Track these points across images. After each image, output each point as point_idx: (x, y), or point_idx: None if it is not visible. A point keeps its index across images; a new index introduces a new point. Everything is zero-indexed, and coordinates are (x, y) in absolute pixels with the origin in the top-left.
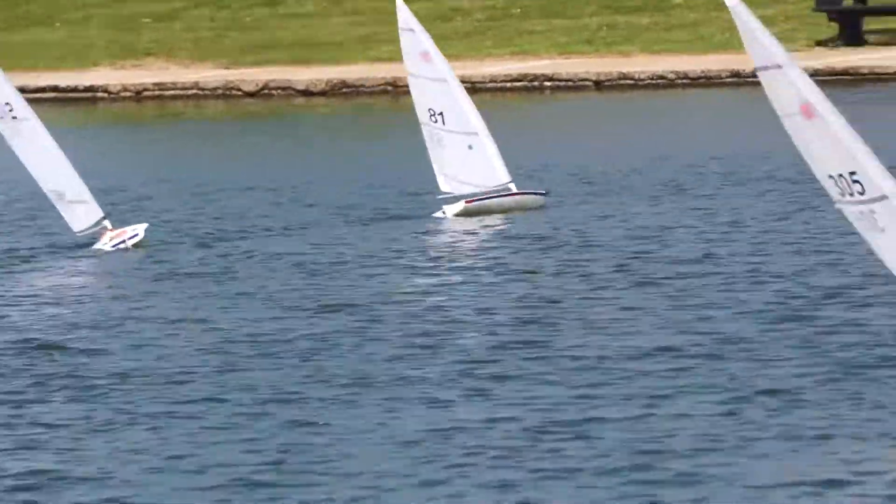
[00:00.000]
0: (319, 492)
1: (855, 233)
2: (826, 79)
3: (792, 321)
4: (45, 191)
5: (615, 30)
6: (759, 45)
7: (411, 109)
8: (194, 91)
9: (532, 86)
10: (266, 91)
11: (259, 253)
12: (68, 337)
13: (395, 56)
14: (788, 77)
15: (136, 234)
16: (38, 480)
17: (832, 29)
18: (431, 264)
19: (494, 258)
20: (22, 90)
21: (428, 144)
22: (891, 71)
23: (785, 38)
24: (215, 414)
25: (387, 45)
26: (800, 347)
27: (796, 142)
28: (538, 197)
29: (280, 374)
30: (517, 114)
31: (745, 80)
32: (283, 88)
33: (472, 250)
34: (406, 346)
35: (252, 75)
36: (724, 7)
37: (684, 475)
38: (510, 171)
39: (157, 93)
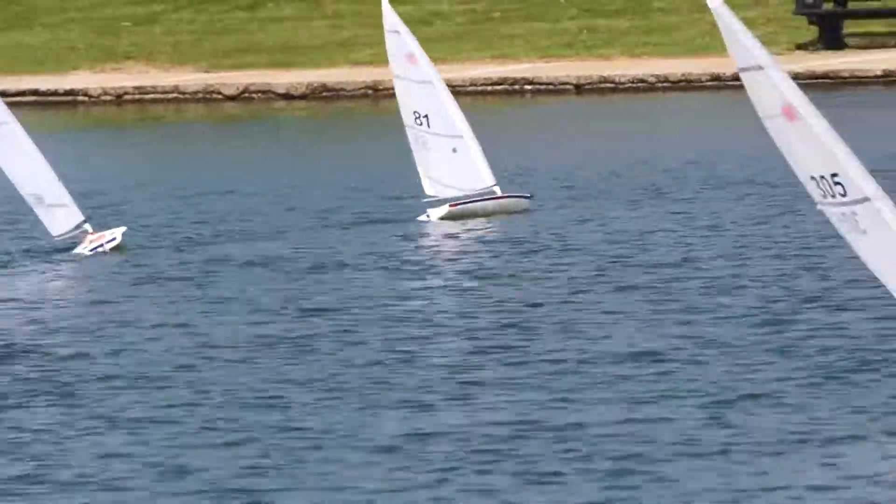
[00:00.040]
0: (300, 496)
1: (835, 236)
2: (806, 82)
3: (772, 325)
4: (23, 195)
5: (595, 33)
6: (742, 47)
7: (393, 113)
8: (174, 95)
9: (512, 89)
10: (246, 95)
11: (239, 257)
12: (48, 341)
13: (376, 60)
14: (771, 79)
15: (114, 239)
16: (17, 486)
17: (812, 32)
18: (412, 268)
19: (475, 262)
20: (2, 94)
21: (413, 147)
22: (871, 75)
23: (765, 42)
24: (195, 418)
25: (367, 48)
26: (780, 351)
27: (778, 143)
28: (522, 200)
29: (260, 379)
30: (497, 118)
31: (726, 84)
32: (264, 92)
33: (454, 254)
34: (386, 350)
35: (232, 79)
36: (704, 10)
37: (665, 479)
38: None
39: (137, 96)
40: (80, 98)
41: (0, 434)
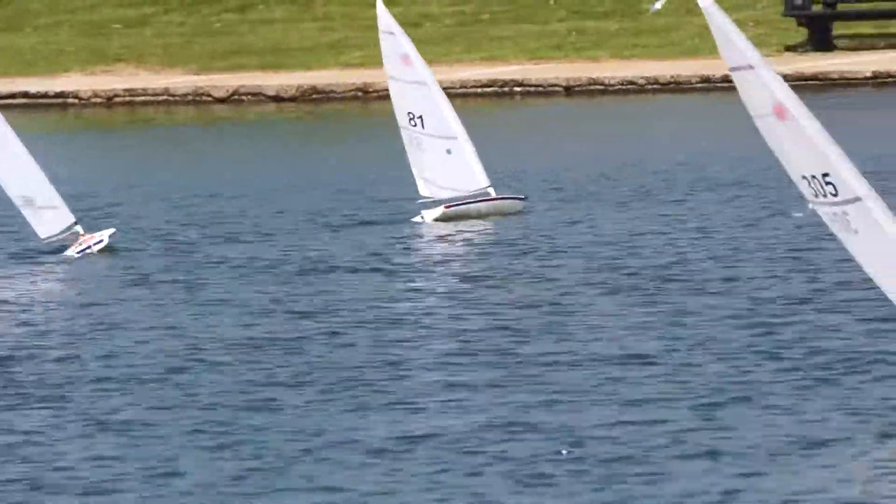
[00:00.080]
0: (291, 499)
1: (825, 238)
2: (795, 84)
3: (763, 327)
4: (11, 197)
5: (584, 35)
6: (732, 46)
7: (384, 115)
8: (165, 97)
9: (502, 91)
10: (236, 97)
11: (229, 259)
12: (37, 343)
13: (366, 62)
14: (761, 78)
15: (101, 241)
16: (8, 489)
17: (801, 34)
18: (403, 270)
19: (466, 264)
20: None
21: (407, 148)
22: (860, 76)
23: (755, 43)
24: (186, 420)
25: (357, 50)
26: (771, 353)
27: (769, 143)
28: (517, 202)
29: (251, 381)
30: (487, 119)
31: (715, 86)
32: (254, 94)
33: (445, 256)
34: (377, 352)
35: (222, 81)
36: (693, 12)
37: (657, 481)
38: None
39: (127, 99)
40: (71, 100)
41: None
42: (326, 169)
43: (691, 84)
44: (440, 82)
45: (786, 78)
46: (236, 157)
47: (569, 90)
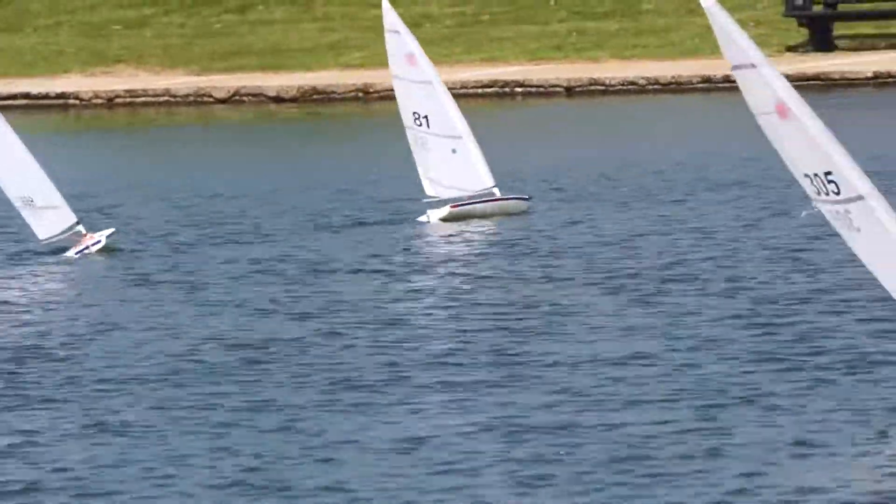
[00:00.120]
0: (293, 500)
1: (826, 238)
2: (796, 84)
3: (764, 327)
4: (10, 197)
5: (585, 36)
6: (735, 45)
7: (384, 115)
8: (166, 98)
9: (503, 92)
10: (237, 98)
11: (230, 259)
12: (38, 343)
13: (366, 62)
14: (764, 77)
15: (99, 241)
16: (8, 489)
17: (802, 34)
18: (403, 270)
19: (466, 264)
20: None
21: (412, 148)
22: (861, 76)
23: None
24: (186, 421)
25: (357, 51)
26: (773, 353)
27: (772, 141)
28: (521, 202)
29: (252, 382)
30: (488, 120)
31: (716, 86)
32: (255, 95)
33: (445, 256)
34: (379, 353)
35: (223, 82)
36: (694, 13)
37: (658, 482)
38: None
39: (128, 100)
40: (72, 101)
41: None
42: (327, 169)
43: (692, 84)
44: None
45: (787, 78)
46: (237, 157)
47: (569, 91)
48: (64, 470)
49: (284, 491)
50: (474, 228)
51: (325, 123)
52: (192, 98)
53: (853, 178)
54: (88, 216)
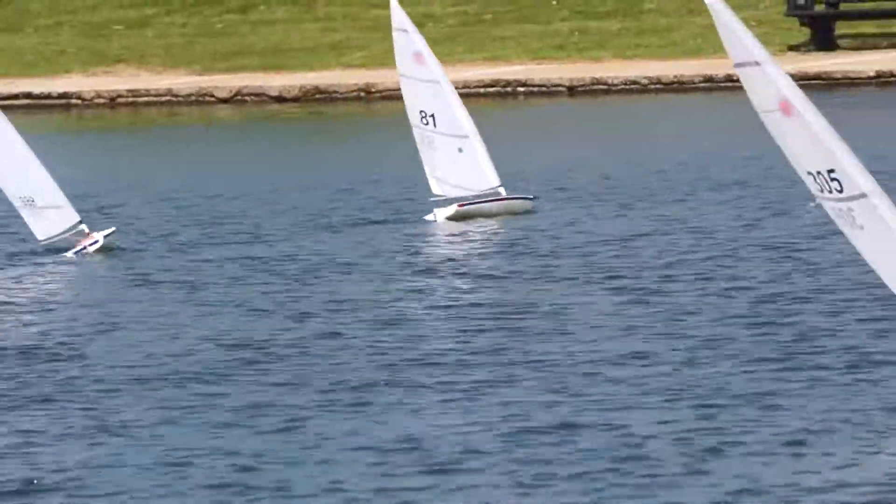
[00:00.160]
0: (294, 499)
1: (827, 237)
2: (799, 83)
3: (765, 326)
4: (9, 197)
5: (587, 35)
6: (739, 43)
7: (388, 114)
8: (168, 97)
9: (505, 91)
10: (239, 97)
11: (232, 259)
12: (38, 343)
13: (368, 62)
14: (767, 74)
15: (97, 241)
16: (9, 489)
17: (804, 34)
18: (403, 270)
19: (467, 264)
20: None
21: (419, 147)
22: (863, 76)
23: None
24: (186, 421)
25: (359, 51)
26: (774, 352)
27: (775, 138)
28: (527, 202)
29: (251, 382)
30: (491, 120)
31: (718, 85)
32: (257, 95)
33: (446, 256)
34: (378, 353)
35: (225, 82)
36: (696, 12)
37: (658, 482)
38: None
39: (130, 99)
40: (74, 101)
41: None
42: (328, 169)
43: (694, 84)
44: None
45: None
46: (239, 157)
47: (572, 90)
48: (63, 470)
49: (284, 491)
50: (475, 228)
51: (327, 123)
52: (193, 98)
53: (856, 175)
54: (90, 216)
